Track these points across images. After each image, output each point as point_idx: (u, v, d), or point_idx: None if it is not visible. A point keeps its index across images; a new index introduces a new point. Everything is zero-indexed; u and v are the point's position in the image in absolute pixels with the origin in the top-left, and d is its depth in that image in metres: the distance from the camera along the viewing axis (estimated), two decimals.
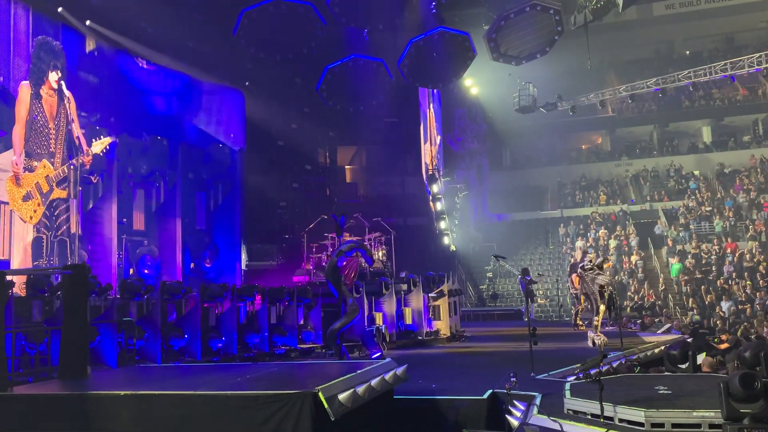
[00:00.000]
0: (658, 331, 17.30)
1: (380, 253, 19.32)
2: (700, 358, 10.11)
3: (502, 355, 13.55)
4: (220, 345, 12.59)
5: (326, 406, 5.92)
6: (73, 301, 8.37)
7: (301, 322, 14.82)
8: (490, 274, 29.80)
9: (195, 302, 12.65)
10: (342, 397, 6.30)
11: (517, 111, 30.31)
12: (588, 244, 29.15)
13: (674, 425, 5.70)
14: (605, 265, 15.68)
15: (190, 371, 9.30)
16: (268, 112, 24.59)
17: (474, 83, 32.84)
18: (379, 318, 15.56)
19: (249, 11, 19.68)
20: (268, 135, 24.89)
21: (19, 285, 11.19)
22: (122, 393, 6.42)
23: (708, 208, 30.08)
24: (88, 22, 18.19)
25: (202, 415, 6.11)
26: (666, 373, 8.88)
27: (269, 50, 21.43)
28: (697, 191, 31.88)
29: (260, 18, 20.05)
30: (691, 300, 23.44)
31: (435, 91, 28.45)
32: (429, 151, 28.06)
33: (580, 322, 18.07)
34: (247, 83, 23.76)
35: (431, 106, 29.25)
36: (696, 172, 34.01)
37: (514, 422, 7.32)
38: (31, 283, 10.73)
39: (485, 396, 8.31)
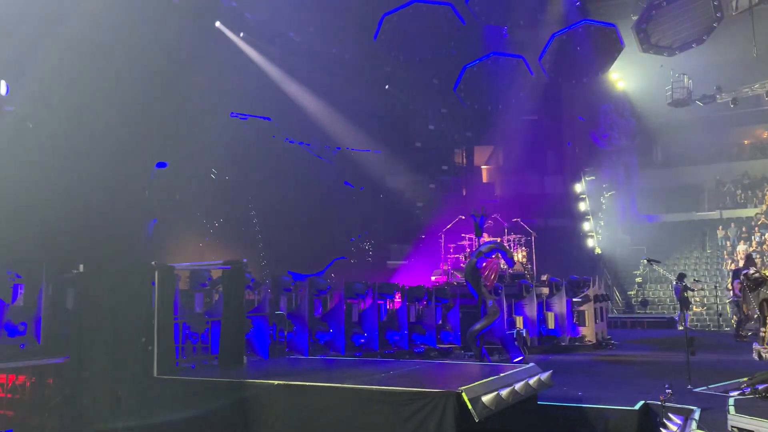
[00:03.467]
0: None
1: (520, 255, 18.91)
2: None
3: (654, 365, 12.76)
4: (362, 341, 12.97)
5: (470, 407, 5.88)
6: (231, 295, 9.00)
7: (440, 322, 14.87)
8: (639, 279, 28.09)
9: (339, 298, 13.11)
10: (486, 399, 6.23)
11: (670, 105, 28.36)
12: (751, 249, 26.56)
13: None
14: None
15: (335, 364, 9.66)
16: (406, 114, 25.00)
17: (621, 77, 31.17)
18: (519, 321, 15.23)
19: (389, 15, 20.12)
20: (406, 136, 25.28)
21: (183, 279, 12.25)
22: (276, 382, 6.79)
23: None
24: (242, 35, 19.57)
25: (349, 407, 6.31)
26: None
27: (408, 52, 21.78)
28: None
29: (400, 21, 20.43)
30: None
31: (580, 86, 27.36)
32: (573, 150, 27.02)
33: (743, 333, 16.53)
34: (387, 86, 24.29)
35: (576, 102, 28.14)
36: None
37: None
38: (193, 277, 11.69)
39: (637, 407, 7.86)
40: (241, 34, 19.97)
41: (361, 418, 6.22)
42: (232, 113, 19.25)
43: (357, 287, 13.48)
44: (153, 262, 8.05)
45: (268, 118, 20.58)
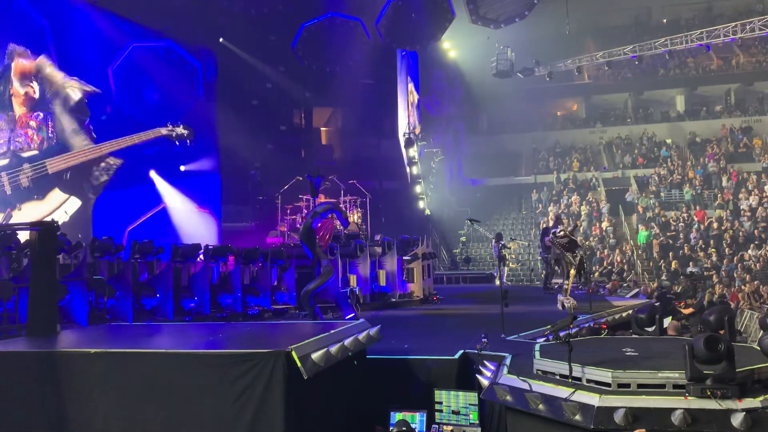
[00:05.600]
0: (627, 296, 17.67)
1: (355, 216, 19.29)
2: (667, 321, 10.36)
3: (473, 317, 13.74)
4: (192, 305, 12.55)
5: (299, 364, 5.94)
6: (42, 258, 8.21)
7: (275, 284, 14.81)
8: (463, 239, 30.00)
9: (167, 262, 12.53)
10: (315, 356, 6.32)
11: (495, 76, 30.16)
12: (560, 210, 29.47)
13: (640, 385, 5.84)
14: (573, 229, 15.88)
15: (161, 330, 9.26)
16: (242, 71, 24.09)
17: (452, 46, 32.50)
18: (353, 280, 15.63)
19: None
20: (243, 94, 24.42)
21: None
22: (92, 351, 6.35)
23: (679, 177, 30.53)
24: None
25: (174, 373, 6.08)
26: (633, 336, 9.08)
27: (244, 5, 20.94)
28: (669, 159, 32.28)
29: None
30: (661, 264, 23.93)
31: (413, 52, 28.14)
32: (406, 115, 27.84)
33: (551, 286, 18.35)
34: (221, 39, 23.19)
35: (409, 68, 28.93)
36: (668, 141, 34.38)
37: (485, 382, 7.44)
38: None
39: (456, 356, 8.42)
40: None
41: (187, 383, 6.02)
42: None
43: (187, 250, 12.96)
44: None
45: None
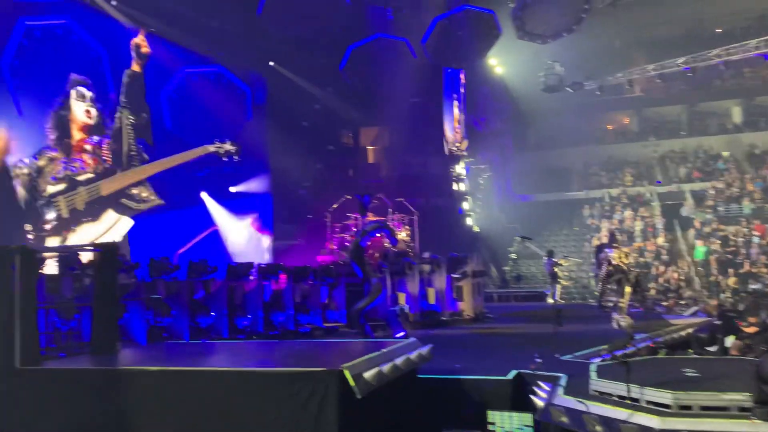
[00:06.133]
0: (685, 314, 17.11)
1: (404, 234, 19.34)
2: (729, 341, 9.98)
3: (526, 336, 13.52)
4: (246, 323, 12.75)
5: (352, 383, 5.96)
6: (103, 279, 8.50)
7: (326, 302, 14.93)
8: (513, 256, 29.63)
9: (221, 281, 12.79)
10: (367, 375, 6.34)
11: (543, 91, 29.89)
12: (614, 226, 28.82)
13: (703, 408, 5.65)
14: (627, 250, 15.47)
15: (217, 348, 9.44)
16: (291, 93, 24.58)
17: (499, 62, 32.39)
18: (402, 298, 15.61)
19: None
20: (292, 115, 24.91)
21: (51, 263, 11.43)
22: (153, 368, 6.53)
23: (737, 190, 29.48)
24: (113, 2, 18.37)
25: (231, 391, 6.18)
26: (693, 356, 8.79)
27: (293, 29, 21.40)
28: (725, 172, 31.24)
29: None
30: (720, 281, 23.10)
31: (459, 70, 28.17)
32: (452, 132, 27.85)
33: (605, 304, 17.92)
34: (271, 63, 23.73)
35: (456, 85, 28.98)
36: (725, 153, 33.27)
37: (540, 403, 7.32)
38: (62, 261, 10.94)
39: (510, 376, 8.30)
40: (114, 2, 18.74)
41: (243, 401, 6.12)
42: None
43: (240, 269, 13.21)
44: (13, 245, 7.43)
45: None
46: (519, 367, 8.48)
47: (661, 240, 27.60)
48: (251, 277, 13.73)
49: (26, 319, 7.28)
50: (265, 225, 23.46)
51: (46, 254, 11.33)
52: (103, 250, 8.59)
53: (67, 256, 10.94)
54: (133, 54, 17.95)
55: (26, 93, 17.30)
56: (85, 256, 11.00)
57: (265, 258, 21.91)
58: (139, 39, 17.88)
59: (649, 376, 6.46)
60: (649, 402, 5.94)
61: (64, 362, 7.73)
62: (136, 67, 18.06)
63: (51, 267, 11.41)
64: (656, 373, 6.63)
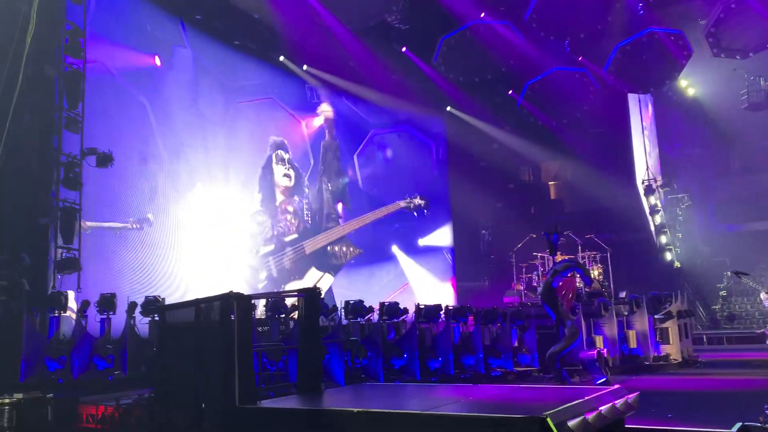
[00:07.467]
0: None
1: (596, 272, 18.36)
2: None
3: (747, 384, 12.04)
4: (437, 365, 12.80)
5: None
6: (308, 322, 9.07)
7: (516, 344, 14.54)
8: (723, 293, 26.72)
9: (412, 322, 13.04)
10: (572, 424, 5.98)
11: (746, 109, 27.16)
12: None
13: None
14: None
15: (413, 390, 9.55)
16: (469, 135, 24.93)
17: (690, 83, 30.04)
18: (599, 341, 14.71)
19: (448, 38, 20.19)
20: (471, 157, 25.18)
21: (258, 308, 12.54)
22: (356, 410, 6.76)
23: None
24: (305, 67, 20.08)
25: None
26: None
27: (469, 73, 21.75)
28: None
29: (458, 43, 20.48)
30: None
31: (647, 96, 26.61)
32: (644, 161, 26.21)
33: None
34: (448, 108, 24.33)
35: (644, 112, 27.38)
36: None
37: None
38: (270, 306, 11.91)
39: (734, 429, 7.40)
40: (305, 67, 20.47)
41: None
42: None
43: (429, 310, 13.37)
44: (230, 292, 8.22)
45: None
46: (745, 419, 7.55)
47: None
48: (440, 319, 13.83)
49: (244, 360, 7.97)
50: (448, 267, 23.73)
51: (255, 301, 12.40)
52: (306, 294, 9.19)
53: (275, 301, 11.87)
54: (325, 126, 19.53)
55: None
56: (290, 301, 11.86)
57: (451, 300, 22.07)
58: (324, 106, 19.35)
59: None
60: None
61: (277, 402, 8.28)
62: (328, 137, 19.59)
63: (260, 312, 12.50)
64: None
